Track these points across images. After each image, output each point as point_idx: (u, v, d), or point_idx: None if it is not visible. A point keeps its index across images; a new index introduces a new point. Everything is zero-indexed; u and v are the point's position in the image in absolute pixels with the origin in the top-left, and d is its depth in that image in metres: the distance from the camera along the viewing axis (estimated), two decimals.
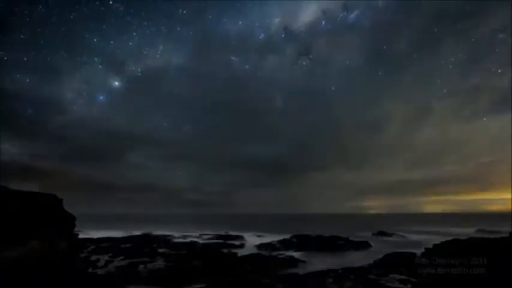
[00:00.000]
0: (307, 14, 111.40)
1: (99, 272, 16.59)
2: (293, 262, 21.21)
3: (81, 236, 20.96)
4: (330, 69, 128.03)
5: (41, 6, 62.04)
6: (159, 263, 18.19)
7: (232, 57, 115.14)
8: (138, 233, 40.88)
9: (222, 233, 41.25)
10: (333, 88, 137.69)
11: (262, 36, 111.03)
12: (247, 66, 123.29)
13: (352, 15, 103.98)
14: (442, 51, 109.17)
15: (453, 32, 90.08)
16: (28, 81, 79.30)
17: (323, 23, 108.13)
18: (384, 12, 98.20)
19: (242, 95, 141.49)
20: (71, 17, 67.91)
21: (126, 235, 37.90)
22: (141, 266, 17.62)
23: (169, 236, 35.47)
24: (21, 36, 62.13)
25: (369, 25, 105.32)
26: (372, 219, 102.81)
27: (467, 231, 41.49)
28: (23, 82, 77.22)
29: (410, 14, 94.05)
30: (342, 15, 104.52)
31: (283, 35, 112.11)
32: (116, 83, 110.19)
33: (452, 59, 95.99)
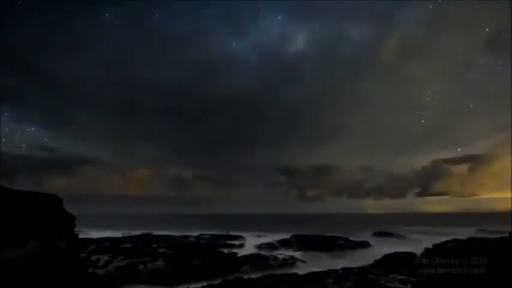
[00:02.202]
0: (298, 42, 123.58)
1: (99, 272, 16.59)
2: (293, 262, 21.21)
3: (81, 236, 20.95)
4: (318, 92, 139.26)
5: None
6: (159, 263, 18.19)
7: (223, 75, 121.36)
8: (138, 233, 40.86)
9: (222, 233, 41.24)
10: (320, 111, 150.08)
11: (254, 58, 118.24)
12: (238, 85, 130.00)
13: (339, 46, 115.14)
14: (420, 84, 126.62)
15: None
16: None
17: (312, 49, 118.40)
18: (366, 45, 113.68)
19: (233, 110, 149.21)
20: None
21: (126, 235, 37.93)
22: (141, 266, 17.62)
23: (169, 236, 35.43)
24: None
25: (353, 56, 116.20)
26: (371, 219, 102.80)
27: (467, 231, 41.43)
28: None
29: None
30: (329, 44, 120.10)
31: (274, 59, 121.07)
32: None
33: (429, 92, 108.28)
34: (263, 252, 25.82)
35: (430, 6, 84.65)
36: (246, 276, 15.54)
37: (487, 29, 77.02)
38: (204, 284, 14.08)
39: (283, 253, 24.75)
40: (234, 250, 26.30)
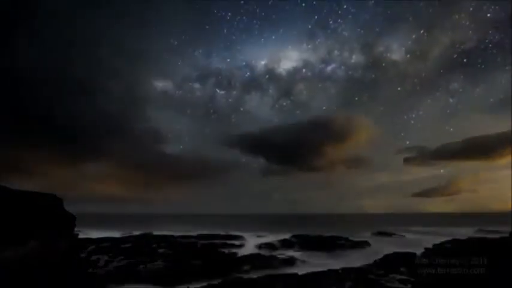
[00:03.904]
0: (290, 61, 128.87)
1: (99, 272, 16.59)
2: (293, 262, 21.22)
3: (81, 236, 20.95)
4: (307, 111, 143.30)
5: None
6: (159, 263, 18.18)
7: (217, 90, 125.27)
8: (138, 233, 40.86)
9: (222, 233, 41.23)
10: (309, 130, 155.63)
11: (247, 74, 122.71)
12: (230, 100, 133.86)
13: (329, 68, 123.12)
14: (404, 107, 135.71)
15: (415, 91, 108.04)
16: None
17: (303, 70, 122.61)
18: (355, 68, 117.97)
19: (223, 125, 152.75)
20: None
21: (126, 235, 37.93)
22: (141, 266, 17.61)
23: (169, 236, 35.42)
24: None
25: (343, 77, 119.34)
26: (372, 219, 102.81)
27: (467, 231, 41.48)
28: None
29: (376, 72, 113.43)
30: (320, 66, 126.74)
31: (267, 76, 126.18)
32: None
33: (413, 115, 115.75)
34: (263, 252, 25.82)
35: (414, 36, 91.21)
36: (246, 276, 15.54)
37: (465, 60, 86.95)
38: (204, 284, 14.07)
39: (283, 253, 24.74)
40: (234, 250, 26.31)
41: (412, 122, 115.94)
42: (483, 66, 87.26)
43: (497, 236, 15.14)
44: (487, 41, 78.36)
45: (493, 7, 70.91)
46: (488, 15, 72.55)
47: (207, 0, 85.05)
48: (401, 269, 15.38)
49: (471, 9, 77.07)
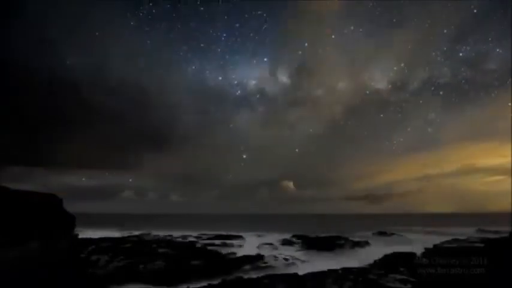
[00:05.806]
0: (280, 83, 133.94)
1: (99, 272, 16.58)
2: (293, 262, 21.21)
3: (81, 236, 20.87)
4: (294, 133, 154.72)
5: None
6: (159, 263, 18.17)
7: (207, 106, 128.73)
8: (138, 233, 40.86)
9: (222, 233, 41.23)
10: (297, 150, 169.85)
11: (239, 92, 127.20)
12: (221, 116, 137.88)
13: (317, 92, 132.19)
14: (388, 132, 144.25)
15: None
16: None
17: (293, 93, 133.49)
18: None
19: (212, 140, 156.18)
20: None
21: (126, 235, 37.92)
22: (141, 266, 17.61)
23: (169, 236, 35.41)
24: None
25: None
26: (372, 219, 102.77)
27: (467, 231, 41.43)
28: None
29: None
30: (307, 89, 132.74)
31: (258, 96, 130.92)
32: None
33: (394, 142, 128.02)
34: (263, 252, 25.81)
35: (395, 68, 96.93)
36: (246, 276, 15.54)
37: (441, 92, 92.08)
38: (204, 284, 14.08)
39: (283, 253, 24.73)
40: (234, 250, 26.31)
41: (394, 147, 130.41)
42: (457, 100, 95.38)
43: (497, 236, 15.13)
44: (459, 77, 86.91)
45: (464, 47, 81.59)
46: (461, 54, 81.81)
47: (204, 20, 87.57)
48: (401, 269, 15.36)
49: (445, 48, 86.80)
